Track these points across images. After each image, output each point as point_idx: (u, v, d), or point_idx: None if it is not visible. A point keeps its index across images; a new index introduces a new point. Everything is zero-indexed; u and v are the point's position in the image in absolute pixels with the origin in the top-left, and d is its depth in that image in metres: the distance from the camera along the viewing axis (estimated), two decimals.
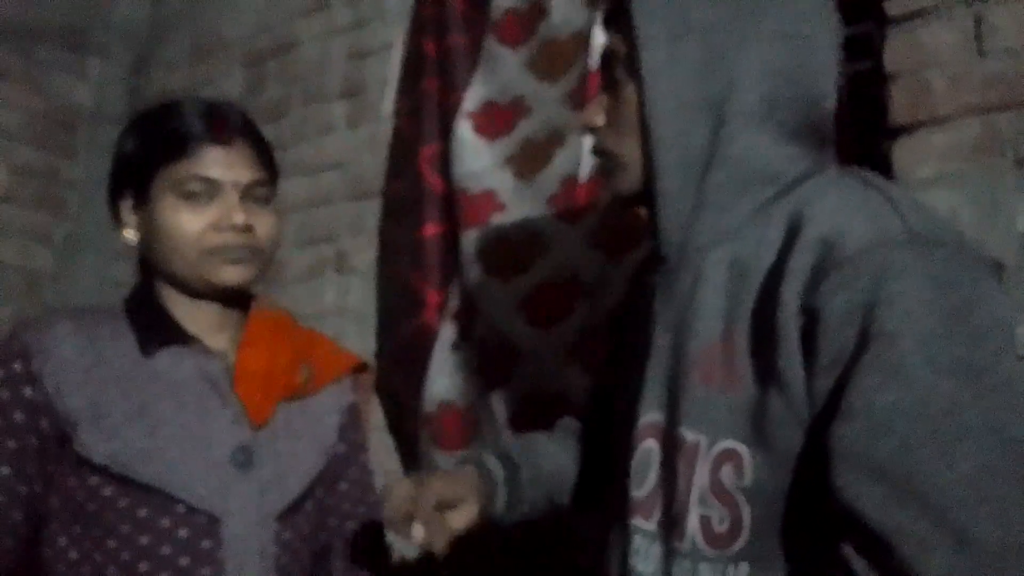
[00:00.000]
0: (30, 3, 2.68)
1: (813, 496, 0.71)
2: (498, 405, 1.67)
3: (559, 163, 1.70)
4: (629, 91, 0.86)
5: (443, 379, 1.78)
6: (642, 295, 0.94)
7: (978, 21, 1.32)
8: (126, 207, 1.05)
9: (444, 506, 0.93)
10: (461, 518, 0.94)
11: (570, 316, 1.61)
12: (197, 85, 2.59)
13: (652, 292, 0.90)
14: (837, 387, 0.70)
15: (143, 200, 1.03)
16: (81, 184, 2.72)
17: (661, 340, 0.86)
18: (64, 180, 2.73)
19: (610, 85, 0.90)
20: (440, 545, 0.89)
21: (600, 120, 0.90)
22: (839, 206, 0.76)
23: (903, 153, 1.36)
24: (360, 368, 1.21)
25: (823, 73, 0.85)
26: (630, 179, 0.88)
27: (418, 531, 0.87)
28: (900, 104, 1.37)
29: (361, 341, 2.01)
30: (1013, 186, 1.26)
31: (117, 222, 1.06)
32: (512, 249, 1.72)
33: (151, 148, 1.02)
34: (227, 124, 1.03)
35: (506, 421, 1.65)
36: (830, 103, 0.86)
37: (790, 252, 0.75)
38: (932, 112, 1.35)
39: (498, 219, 1.75)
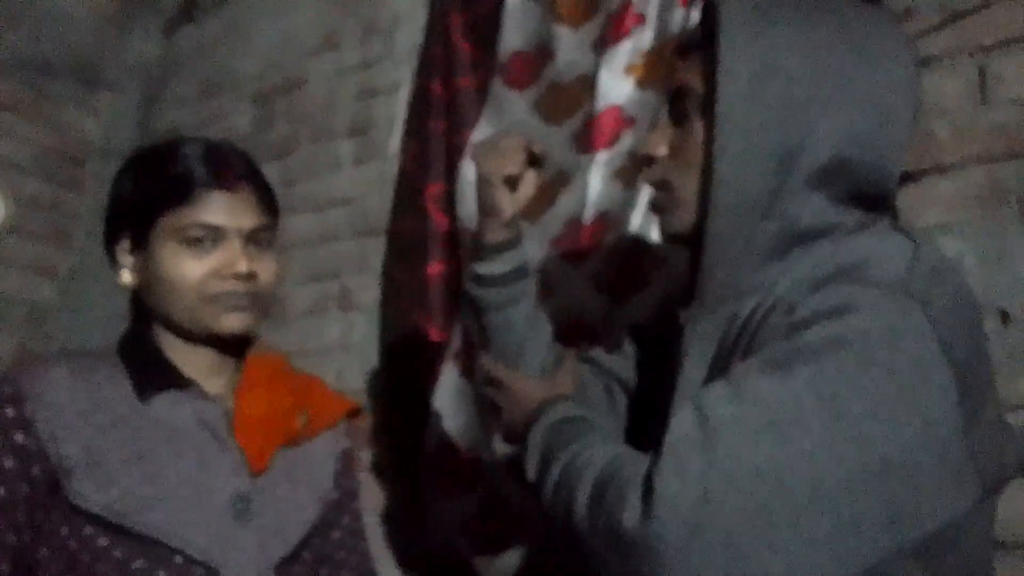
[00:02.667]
0: (43, 38, 2.71)
1: None
2: (500, 447, 1.65)
3: (563, 204, 1.70)
4: (698, 128, 0.86)
5: (446, 418, 1.76)
6: (669, 329, 0.94)
7: (982, 71, 1.32)
8: (123, 249, 1.04)
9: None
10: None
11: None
12: (206, 121, 2.61)
13: (678, 329, 0.90)
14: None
15: (141, 244, 1.02)
16: (87, 217, 2.73)
17: (693, 374, 0.86)
18: (71, 213, 2.75)
19: (679, 120, 0.89)
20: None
21: (663, 151, 0.90)
22: (865, 247, 0.77)
23: (908, 201, 1.36)
24: (354, 413, 1.20)
25: (898, 145, 0.84)
26: (684, 216, 0.88)
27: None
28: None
29: (364, 378, 2.00)
30: (1018, 235, 1.26)
31: (113, 264, 1.05)
32: None
33: (151, 193, 1.01)
34: (231, 168, 1.02)
35: (508, 464, 1.63)
36: (897, 173, 0.86)
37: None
38: (937, 161, 1.35)
39: None
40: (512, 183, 1.03)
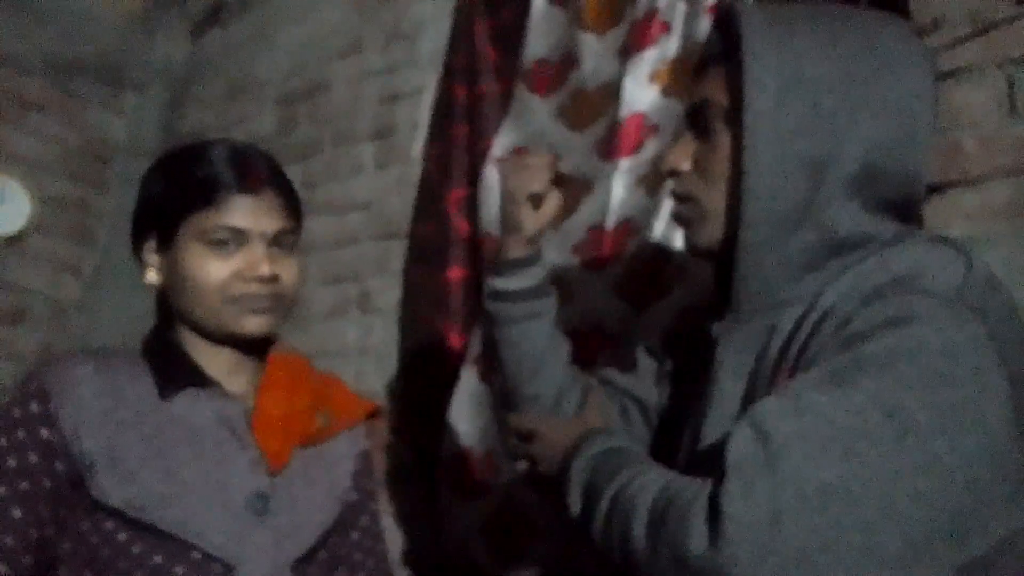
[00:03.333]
0: (70, 38, 2.75)
1: None
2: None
3: (586, 211, 1.69)
4: (724, 141, 0.86)
5: (463, 424, 1.76)
6: (698, 343, 0.94)
7: (1011, 83, 1.31)
8: (149, 249, 1.05)
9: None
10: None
11: (593, 366, 1.59)
12: (230, 124, 2.63)
13: (713, 341, 0.90)
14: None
15: (167, 244, 1.03)
16: (112, 216, 2.76)
17: (729, 386, 0.86)
18: (95, 212, 2.78)
19: (702, 133, 0.89)
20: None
21: (686, 165, 0.90)
22: (917, 257, 0.77)
23: (934, 213, 1.35)
24: (374, 414, 1.20)
25: (922, 147, 0.84)
26: (711, 230, 0.88)
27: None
28: (932, 164, 1.36)
29: (382, 381, 2.00)
30: None
31: (139, 263, 1.06)
32: None
33: (178, 194, 1.02)
34: (256, 172, 1.03)
35: (523, 469, 1.63)
36: (924, 178, 0.86)
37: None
38: (963, 173, 1.34)
39: None
40: (536, 200, 1.04)
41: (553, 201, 1.06)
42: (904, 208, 0.85)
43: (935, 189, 1.36)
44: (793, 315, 0.82)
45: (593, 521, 0.82)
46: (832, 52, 0.82)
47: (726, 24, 0.88)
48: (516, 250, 1.05)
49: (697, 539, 0.68)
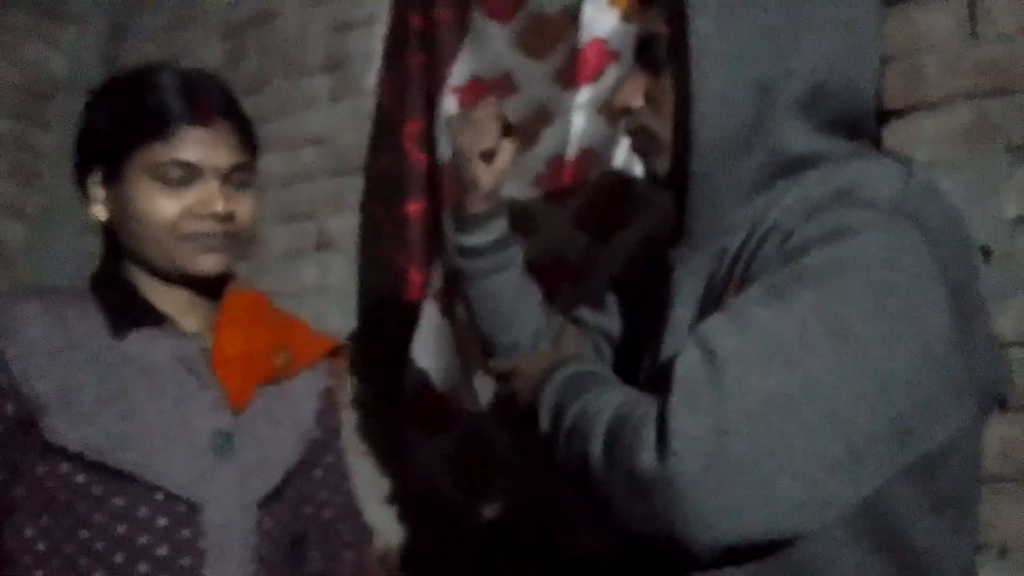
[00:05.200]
0: None
1: None
2: (480, 386, 1.65)
3: (546, 142, 1.67)
4: (669, 72, 0.86)
5: (425, 360, 1.76)
6: (656, 270, 0.94)
7: (972, 5, 1.30)
8: (94, 182, 1.00)
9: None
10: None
11: (556, 298, 1.59)
12: (174, 56, 2.53)
13: (669, 268, 0.90)
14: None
15: (114, 178, 0.98)
16: (55, 155, 2.67)
17: (682, 312, 0.87)
18: (37, 151, 2.69)
19: (649, 66, 0.89)
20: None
21: (638, 101, 0.90)
22: (858, 171, 0.78)
23: (894, 137, 1.35)
24: (336, 352, 1.19)
25: (869, 64, 0.84)
26: (667, 159, 0.88)
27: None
28: (892, 88, 1.36)
29: (343, 320, 1.99)
30: (1003, 172, 1.25)
31: (84, 196, 1.01)
32: None
33: (125, 125, 0.97)
34: (209, 102, 0.98)
35: (488, 403, 1.63)
36: (872, 98, 0.86)
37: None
38: (924, 96, 1.33)
39: None
40: (488, 156, 1.04)
41: (506, 153, 1.06)
42: (854, 126, 0.85)
43: (896, 113, 1.35)
44: (741, 237, 0.83)
45: (558, 441, 0.83)
46: None
47: None
48: (476, 205, 1.05)
49: (646, 454, 0.70)
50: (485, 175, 1.04)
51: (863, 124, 0.86)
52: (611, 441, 0.74)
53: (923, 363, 0.70)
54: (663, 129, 0.87)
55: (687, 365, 0.71)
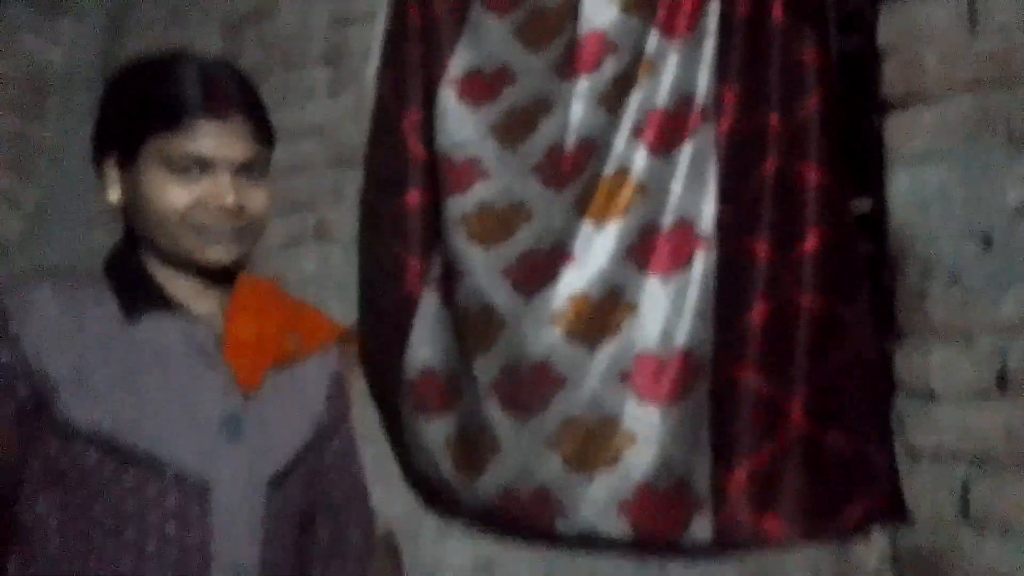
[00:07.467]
0: None
1: None
2: (480, 372, 1.66)
3: (544, 132, 1.69)
4: None
5: (425, 347, 1.78)
6: None
7: None
8: (110, 165, 1.00)
9: None
10: None
11: (554, 283, 1.60)
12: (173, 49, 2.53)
13: None
14: None
15: (129, 163, 0.98)
16: (52, 148, 2.66)
17: None
18: (34, 144, 2.67)
19: None
20: None
21: None
22: None
23: (894, 129, 1.36)
24: (345, 337, 1.19)
25: None
26: None
27: None
28: (892, 80, 1.37)
29: (342, 310, 1.99)
30: (1003, 162, 1.27)
31: (100, 180, 1.01)
32: (496, 217, 1.72)
33: (140, 113, 0.97)
34: (225, 94, 0.98)
35: (488, 388, 1.64)
36: None
37: None
38: (924, 88, 1.35)
39: (481, 187, 1.74)
40: None
41: None
42: None
43: (896, 105, 1.36)
44: None
45: None
46: None
47: None
48: None
49: None
50: None
51: None
52: None
53: None
54: None
55: None
